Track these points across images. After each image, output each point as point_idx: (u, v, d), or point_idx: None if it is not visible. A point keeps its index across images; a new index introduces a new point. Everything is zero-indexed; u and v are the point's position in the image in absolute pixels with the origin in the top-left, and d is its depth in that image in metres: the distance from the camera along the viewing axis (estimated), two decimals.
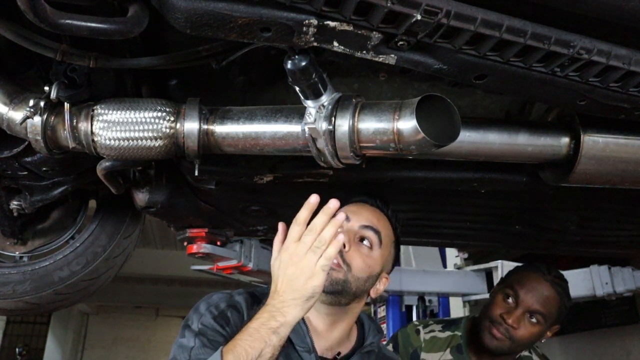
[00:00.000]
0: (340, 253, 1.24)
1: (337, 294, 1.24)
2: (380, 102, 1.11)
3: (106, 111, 1.20)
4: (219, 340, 1.12)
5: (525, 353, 1.99)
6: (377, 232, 1.32)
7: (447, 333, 2.03)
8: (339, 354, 1.31)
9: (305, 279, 1.02)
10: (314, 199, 1.08)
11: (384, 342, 2.40)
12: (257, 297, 1.30)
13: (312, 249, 1.03)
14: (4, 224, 1.96)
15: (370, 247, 1.31)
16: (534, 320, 1.82)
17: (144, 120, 1.19)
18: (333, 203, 1.06)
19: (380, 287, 1.35)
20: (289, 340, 1.22)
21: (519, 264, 2.65)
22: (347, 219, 1.30)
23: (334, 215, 1.07)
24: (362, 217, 1.34)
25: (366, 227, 1.32)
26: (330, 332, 1.30)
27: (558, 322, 1.90)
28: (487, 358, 1.92)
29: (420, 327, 2.08)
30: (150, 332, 13.00)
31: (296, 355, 1.23)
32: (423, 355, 2.00)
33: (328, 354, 1.30)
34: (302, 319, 1.23)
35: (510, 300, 1.86)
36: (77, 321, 11.98)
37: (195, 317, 1.20)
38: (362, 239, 1.31)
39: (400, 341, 2.07)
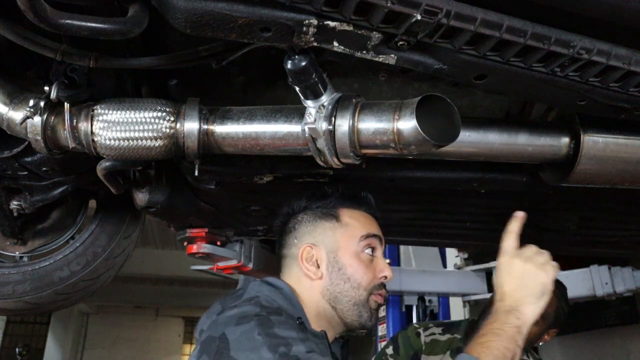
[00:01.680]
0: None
1: None
2: (380, 102, 1.10)
3: (106, 111, 1.20)
4: None
5: (524, 357, 1.99)
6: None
7: (447, 336, 2.03)
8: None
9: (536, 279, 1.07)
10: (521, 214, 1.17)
11: (384, 343, 2.40)
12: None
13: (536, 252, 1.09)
14: (4, 224, 1.96)
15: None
16: None
17: (144, 120, 1.19)
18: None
19: None
20: None
21: None
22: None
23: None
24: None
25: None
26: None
27: (556, 326, 1.90)
28: None
29: (421, 330, 2.08)
30: (150, 332, 13.01)
31: None
32: (424, 357, 2.00)
33: None
34: None
35: None
36: (77, 321, 11.99)
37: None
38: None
39: (401, 343, 2.08)
